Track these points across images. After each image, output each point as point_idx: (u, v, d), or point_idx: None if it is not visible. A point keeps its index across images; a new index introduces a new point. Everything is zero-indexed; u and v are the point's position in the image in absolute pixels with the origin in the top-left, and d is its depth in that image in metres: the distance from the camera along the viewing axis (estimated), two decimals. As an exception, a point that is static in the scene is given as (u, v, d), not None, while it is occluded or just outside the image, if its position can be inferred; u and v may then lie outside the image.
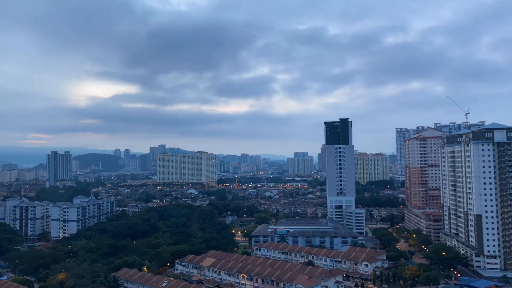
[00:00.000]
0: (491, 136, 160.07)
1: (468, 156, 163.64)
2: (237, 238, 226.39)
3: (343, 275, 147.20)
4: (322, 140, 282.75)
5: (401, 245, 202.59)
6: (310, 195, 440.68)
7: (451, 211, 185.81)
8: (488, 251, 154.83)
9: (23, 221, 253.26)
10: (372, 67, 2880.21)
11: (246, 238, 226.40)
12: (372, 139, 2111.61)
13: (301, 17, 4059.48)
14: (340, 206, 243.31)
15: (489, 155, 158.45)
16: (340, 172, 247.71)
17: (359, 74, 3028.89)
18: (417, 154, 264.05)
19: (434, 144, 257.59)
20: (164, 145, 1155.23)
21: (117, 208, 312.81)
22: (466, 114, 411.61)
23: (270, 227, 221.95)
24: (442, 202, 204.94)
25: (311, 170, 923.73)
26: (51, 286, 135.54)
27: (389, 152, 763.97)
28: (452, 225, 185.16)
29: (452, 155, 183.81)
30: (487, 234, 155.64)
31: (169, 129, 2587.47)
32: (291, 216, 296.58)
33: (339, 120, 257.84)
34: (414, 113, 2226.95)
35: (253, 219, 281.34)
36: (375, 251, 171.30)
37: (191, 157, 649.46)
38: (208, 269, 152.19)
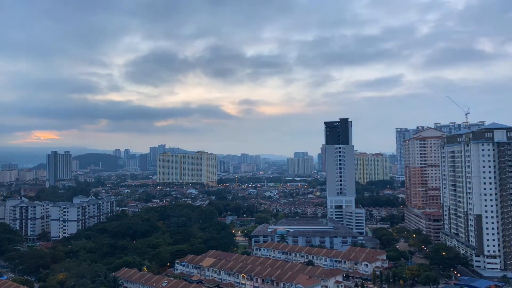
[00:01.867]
0: (491, 136, 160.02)
1: (468, 156, 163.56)
2: (237, 238, 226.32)
3: (343, 275, 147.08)
4: (322, 140, 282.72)
5: (401, 245, 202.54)
6: (310, 195, 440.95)
7: (451, 211, 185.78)
8: (488, 251, 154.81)
9: (23, 221, 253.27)
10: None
11: (246, 238, 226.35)
12: (372, 139, 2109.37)
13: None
14: (340, 206, 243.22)
15: (489, 155, 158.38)
16: (340, 172, 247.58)
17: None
18: (417, 154, 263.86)
19: (434, 144, 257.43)
20: (164, 145, 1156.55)
21: (117, 208, 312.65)
22: (466, 114, 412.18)
23: (270, 227, 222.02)
24: (442, 202, 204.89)
25: (311, 170, 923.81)
26: (51, 286, 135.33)
27: (389, 152, 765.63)
28: (452, 225, 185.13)
29: (452, 155, 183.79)
30: (487, 234, 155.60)
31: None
32: (291, 216, 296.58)
33: (339, 120, 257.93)
34: (414, 113, 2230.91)
35: (253, 219, 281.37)
36: (375, 251, 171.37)
37: (191, 157, 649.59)
38: (208, 269, 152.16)
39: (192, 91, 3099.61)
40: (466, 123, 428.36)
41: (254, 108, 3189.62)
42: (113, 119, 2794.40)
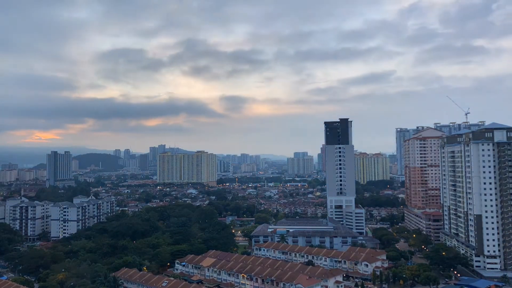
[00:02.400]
0: (491, 136, 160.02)
1: (468, 156, 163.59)
2: (237, 238, 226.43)
3: (343, 275, 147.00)
4: (322, 140, 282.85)
5: (401, 245, 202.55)
6: (310, 195, 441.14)
7: (451, 211, 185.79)
8: (488, 251, 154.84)
9: (23, 221, 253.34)
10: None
11: (246, 238, 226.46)
12: (372, 139, 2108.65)
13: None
14: (340, 206, 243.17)
15: (489, 155, 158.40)
16: (340, 172, 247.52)
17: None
18: (417, 154, 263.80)
19: (434, 144, 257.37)
20: (164, 145, 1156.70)
21: (117, 208, 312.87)
22: (466, 114, 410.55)
23: (270, 227, 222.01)
24: (442, 202, 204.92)
25: (311, 170, 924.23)
26: (51, 286, 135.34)
27: (389, 152, 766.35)
28: (452, 225, 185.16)
29: (452, 155, 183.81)
30: (487, 234, 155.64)
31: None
32: (291, 216, 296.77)
33: (339, 120, 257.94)
34: (414, 112, 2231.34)
35: (253, 219, 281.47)
36: (375, 251, 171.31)
37: (191, 157, 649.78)
38: (208, 269, 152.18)
39: (178, 89, 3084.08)
40: (466, 123, 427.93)
41: (245, 105, 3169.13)
42: (99, 118, 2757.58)
